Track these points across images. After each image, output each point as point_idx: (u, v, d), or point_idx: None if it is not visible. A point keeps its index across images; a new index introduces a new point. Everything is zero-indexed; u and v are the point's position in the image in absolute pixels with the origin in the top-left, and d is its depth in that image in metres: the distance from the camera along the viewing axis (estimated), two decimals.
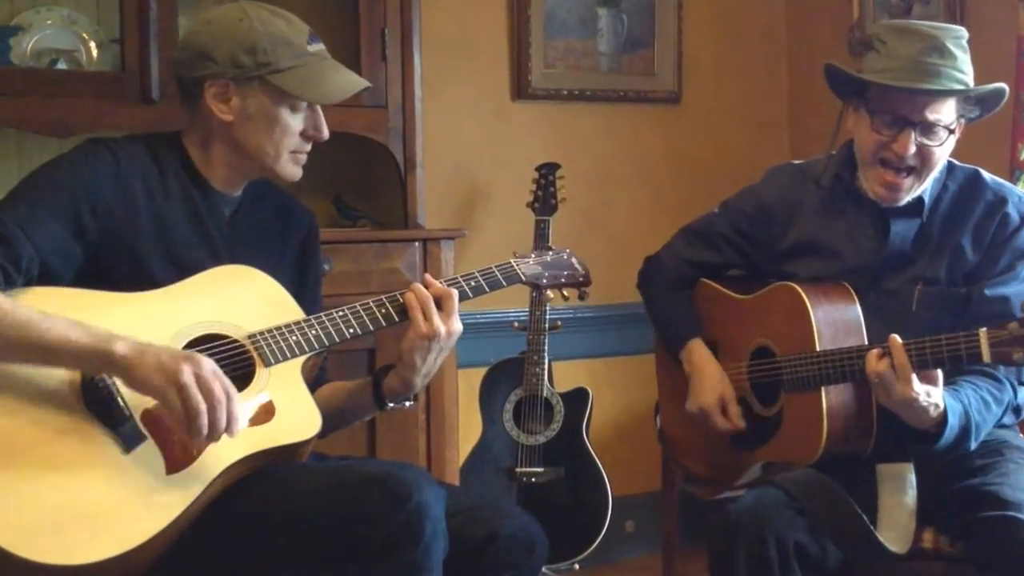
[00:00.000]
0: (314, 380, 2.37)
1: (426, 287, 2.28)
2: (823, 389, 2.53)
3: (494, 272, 2.42)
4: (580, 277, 2.55)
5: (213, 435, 1.98)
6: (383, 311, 2.28)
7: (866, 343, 2.55)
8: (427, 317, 2.26)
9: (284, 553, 2.08)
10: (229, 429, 1.99)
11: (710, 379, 2.79)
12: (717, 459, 2.86)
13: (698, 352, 2.84)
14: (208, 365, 1.99)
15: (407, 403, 2.39)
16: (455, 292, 2.30)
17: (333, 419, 2.33)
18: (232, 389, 2.00)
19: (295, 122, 2.28)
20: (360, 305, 2.28)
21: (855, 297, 2.62)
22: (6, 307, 1.96)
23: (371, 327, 2.28)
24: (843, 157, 2.73)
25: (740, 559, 2.35)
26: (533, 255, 2.52)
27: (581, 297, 2.57)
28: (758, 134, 4.55)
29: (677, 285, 2.95)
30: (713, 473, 2.90)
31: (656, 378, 3.10)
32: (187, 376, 1.95)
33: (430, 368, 2.31)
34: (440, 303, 2.28)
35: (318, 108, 2.31)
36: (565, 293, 2.55)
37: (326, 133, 2.32)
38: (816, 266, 2.71)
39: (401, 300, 2.28)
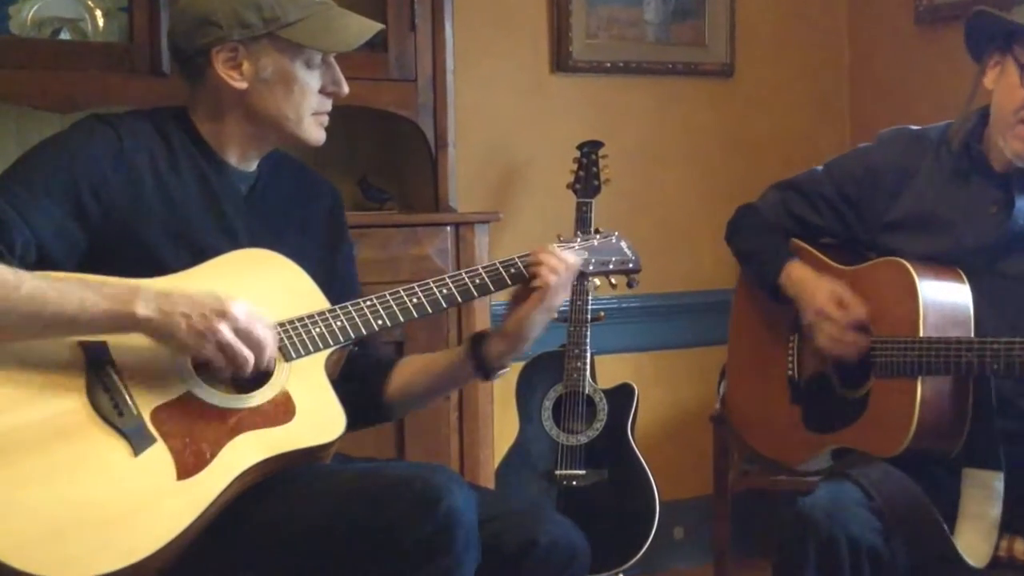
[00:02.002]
0: (341, 369, 2.35)
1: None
2: (919, 379, 2.49)
3: None
4: (630, 263, 2.51)
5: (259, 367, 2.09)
6: (414, 301, 2.26)
7: (973, 334, 2.51)
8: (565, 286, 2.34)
9: (305, 562, 2.06)
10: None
11: (815, 283, 2.72)
12: (785, 436, 2.83)
13: (798, 269, 2.78)
14: (243, 317, 2.03)
15: (506, 370, 2.45)
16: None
17: (420, 397, 2.50)
18: (270, 336, 2.09)
19: (312, 79, 2.29)
20: (390, 294, 2.26)
21: (967, 282, 2.58)
22: (13, 280, 1.94)
23: (401, 318, 2.26)
24: (974, 124, 2.67)
25: (810, 556, 2.32)
26: (578, 239, 2.49)
27: (630, 285, 2.54)
28: (816, 110, 4.53)
29: (771, 228, 2.91)
30: (777, 452, 2.88)
31: (728, 342, 3.07)
32: (227, 335, 2.01)
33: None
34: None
35: (333, 62, 2.32)
36: (613, 281, 2.51)
37: (346, 87, 2.34)
38: (924, 242, 2.65)
39: (434, 290, 2.27)
